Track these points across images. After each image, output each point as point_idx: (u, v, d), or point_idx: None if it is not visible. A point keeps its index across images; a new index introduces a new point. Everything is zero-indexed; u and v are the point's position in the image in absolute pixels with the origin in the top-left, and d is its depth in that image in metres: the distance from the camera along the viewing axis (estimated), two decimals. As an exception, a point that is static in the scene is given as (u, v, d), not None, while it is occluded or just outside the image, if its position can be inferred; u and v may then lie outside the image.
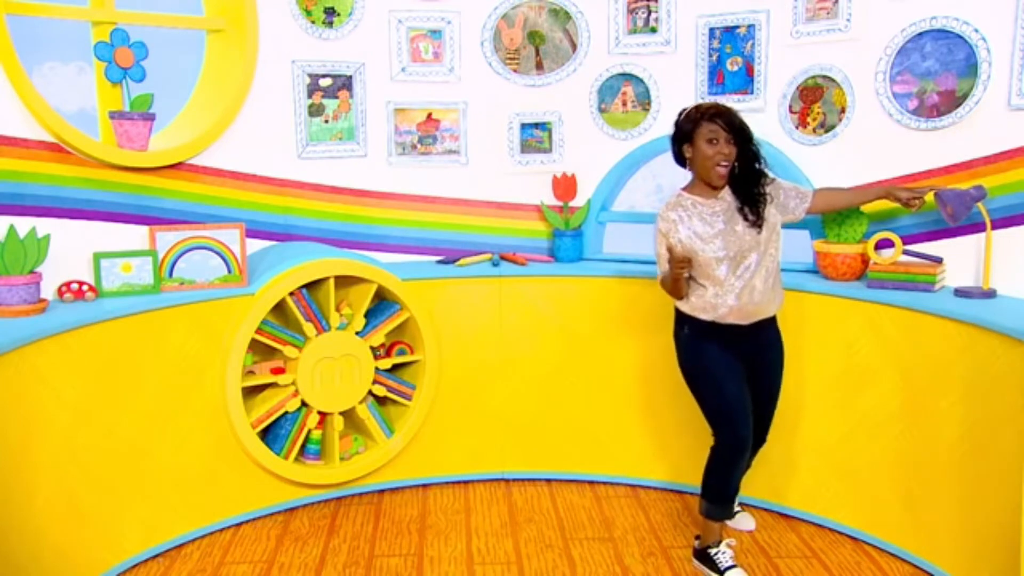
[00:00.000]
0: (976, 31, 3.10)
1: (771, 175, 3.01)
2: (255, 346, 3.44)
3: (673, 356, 3.67)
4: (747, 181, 2.95)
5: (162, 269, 3.30)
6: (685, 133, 2.95)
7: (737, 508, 3.35)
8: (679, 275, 2.90)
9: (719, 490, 3.08)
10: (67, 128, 3.12)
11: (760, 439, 3.20)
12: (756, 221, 2.93)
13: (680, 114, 3.00)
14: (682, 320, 3.07)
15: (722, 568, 3.03)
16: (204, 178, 3.55)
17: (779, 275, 3.06)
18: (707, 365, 3.04)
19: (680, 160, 3.02)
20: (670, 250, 2.92)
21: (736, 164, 2.93)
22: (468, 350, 3.81)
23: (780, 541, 3.34)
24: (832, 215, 3.38)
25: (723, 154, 2.89)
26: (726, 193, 2.97)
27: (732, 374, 3.01)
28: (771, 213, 2.98)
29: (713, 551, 3.08)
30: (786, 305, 3.40)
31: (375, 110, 3.92)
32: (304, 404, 3.53)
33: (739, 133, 2.90)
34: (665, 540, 3.36)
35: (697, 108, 2.95)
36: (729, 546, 3.10)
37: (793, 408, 3.44)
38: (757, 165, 2.96)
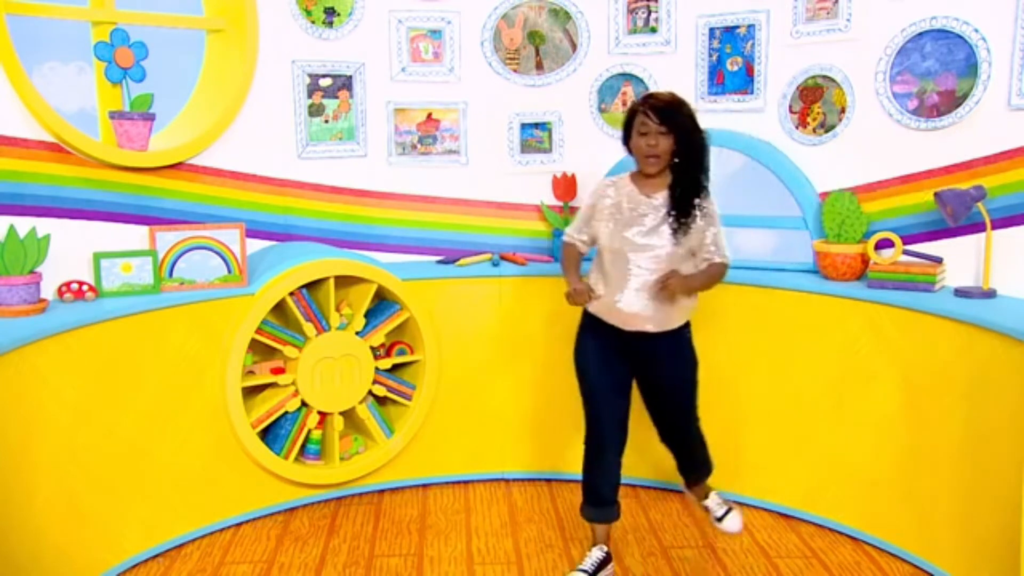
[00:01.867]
0: (976, 31, 3.10)
1: (711, 196, 2.85)
2: (255, 346, 3.43)
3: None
4: (686, 184, 2.80)
5: (162, 269, 3.30)
6: (626, 124, 2.87)
7: (726, 508, 3.20)
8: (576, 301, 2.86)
9: (584, 487, 3.05)
10: (67, 128, 3.11)
11: (676, 445, 3.13)
12: (677, 230, 2.79)
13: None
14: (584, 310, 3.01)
15: (578, 567, 2.99)
16: (204, 178, 3.55)
17: (690, 297, 2.91)
18: (582, 359, 3.00)
19: (630, 151, 2.90)
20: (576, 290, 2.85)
21: (676, 161, 2.80)
22: (468, 350, 3.81)
23: (780, 541, 3.34)
24: (832, 215, 3.38)
25: (651, 145, 2.77)
26: (661, 199, 2.82)
27: (604, 376, 2.95)
28: (696, 229, 2.81)
29: (591, 551, 3.05)
30: (786, 305, 3.41)
31: (375, 110, 3.92)
32: (304, 404, 3.53)
33: (671, 123, 2.75)
34: (665, 540, 3.36)
35: (637, 99, 2.88)
36: (601, 550, 3.02)
37: (793, 408, 3.44)
38: (699, 169, 2.81)
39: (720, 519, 3.19)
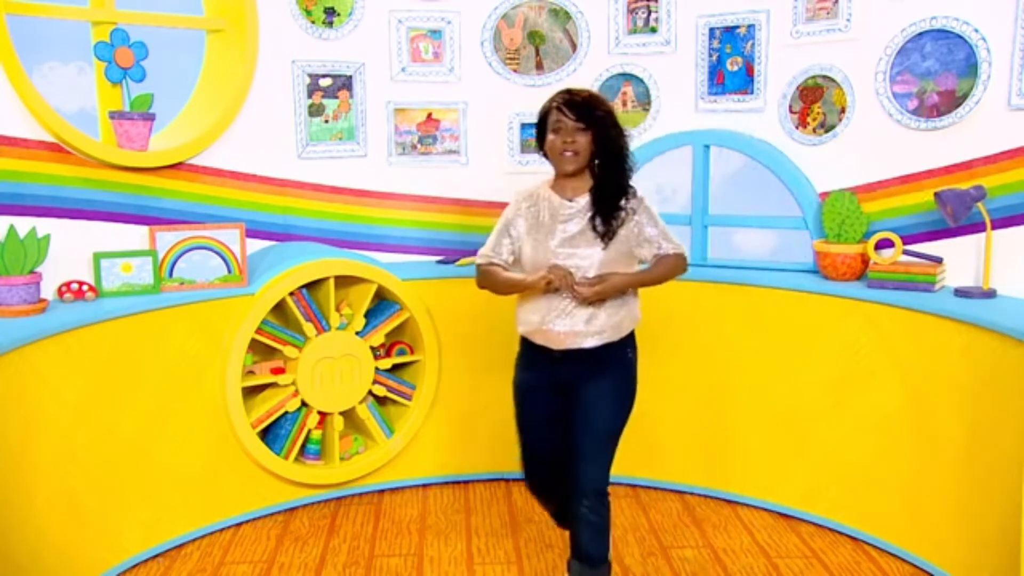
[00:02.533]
0: (976, 31, 3.10)
1: (639, 194, 2.66)
2: (255, 346, 3.44)
3: (672, 355, 3.68)
4: (606, 185, 2.62)
5: (162, 269, 3.30)
6: (540, 121, 2.67)
7: None
8: (539, 286, 2.56)
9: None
10: (67, 128, 3.11)
11: (576, 485, 2.66)
12: (604, 234, 2.58)
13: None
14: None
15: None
16: (204, 178, 3.55)
17: (628, 304, 2.69)
18: (516, 392, 2.76)
19: (543, 154, 2.71)
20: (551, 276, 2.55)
21: (598, 162, 2.61)
22: (468, 350, 3.80)
23: (780, 541, 3.34)
24: (832, 215, 3.38)
25: (566, 142, 2.56)
26: (583, 202, 2.62)
27: (537, 411, 2.72)
28: (627, 231, 2.62)
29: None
30: (786, 305, 3.41)
31: (375, 110, 3.92)
32: (304, 404, 3.53)
33: (590, 122, 2.57)
34: (665, 540, 3.36)
35: (551, 97, 2.65)
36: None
37: (793, 408, 3.44)
38: (622, 166, 2.63)
39: None
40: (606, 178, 2.62)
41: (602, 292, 2.56)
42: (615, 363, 2.68)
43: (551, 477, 2.81)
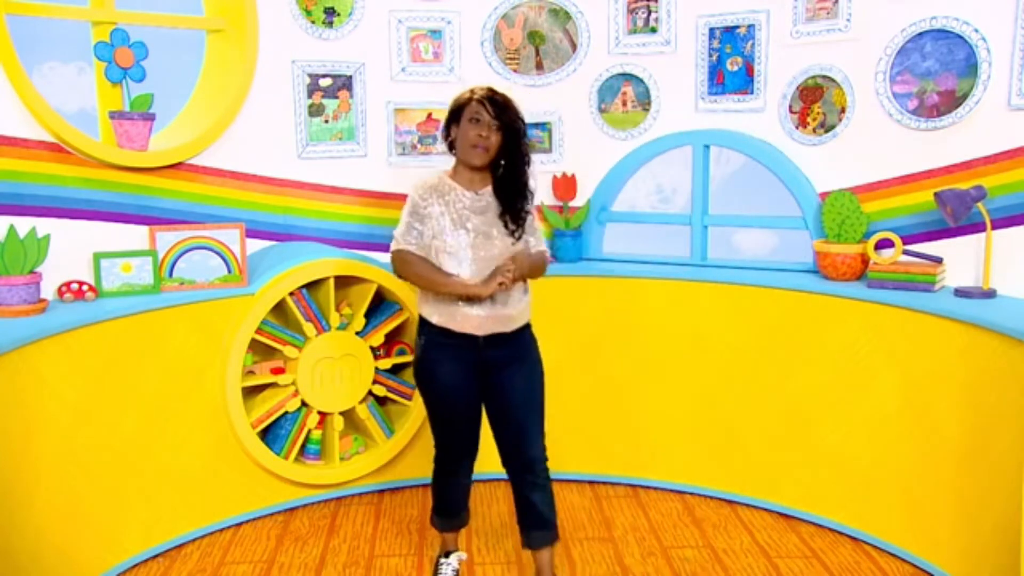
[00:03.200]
0: (976, 31, 3.10)
1: (534, 198, 2.83)
2: (255, 346, 3.44)
3: (672, 355, 3.69)
4: (512, 189, 2.75)
5: (162, 269, 3.30)
6: (453, 113, 2.76)
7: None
8: (486, 293, 2.66)
9: (436, 500, 3.03)
10: (67, 128, 3.12)
11: (522, 477, 2.86)
12: (515, 231, 2.75)
13: (458, 94, 2.82)
14: (422, 324, 2.83)
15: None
16: (204, 178, 3.55)
17: (526, 288, 2.85)
18: (428, 378, 2.82)
19: (449, 144, 2.82)
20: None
21: (503, 164, 2.75)
22: (468, 350, 3.80)
23: (780, 541, 3.34)
24: (832, 215, 3.38)
25: (482, 136, 2.68)
26: (489, 195, 2.77)
27: (456, 394, 2.80)
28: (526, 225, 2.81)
29: (441, 560, 3.06)
30: (786, 305, 3.41)
31: (375, 110, 3.92)
32: (304, 404, 3.54)
33: (505, 121, 2.70)
34: (665, 540, 3.36)
35: (471, 90, 2.76)
36: (460, 560, 3.05)
37: (793, 408, 3.44)
38: (525, 176, 2.77)
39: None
40: (511, 179, 2.76)
41: (520, 271, 2.71)
42: (531, 343, 2.87)
43: (470, 459, 2.96)
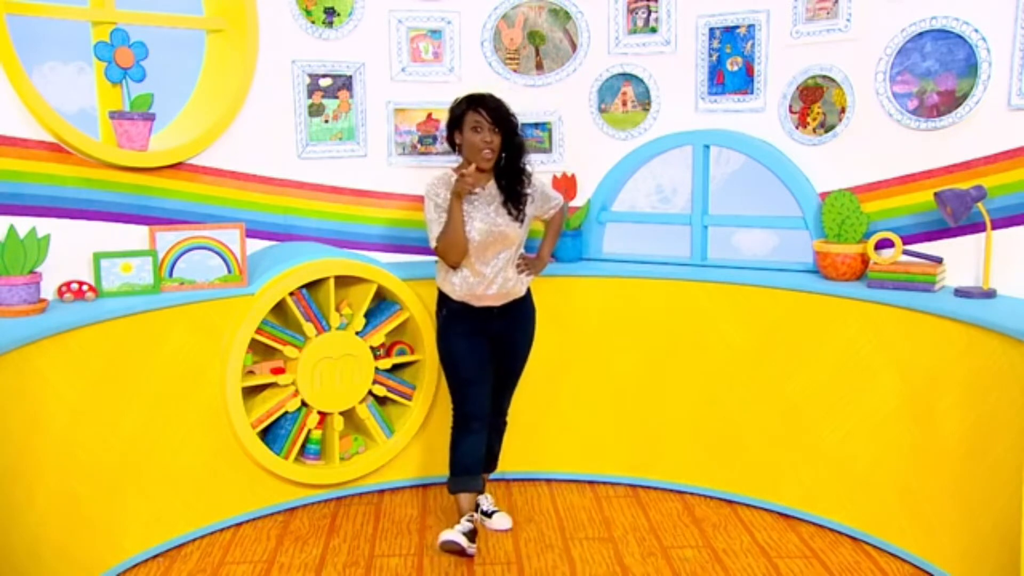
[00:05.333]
0: (976, 31, 3.10)
1: (532, 176, 3.30)
2: (255, 346, 3.44)
3: (672, 355, 3.69)
4: (512, 176, 3.22)
5: (162, 269, 3.30)
6: (454, 119, 3.21)
7: (494, 508, 3.51)
8: (463, 189, 3.10)
9: (454, 463, 3.35)
10: (67, 128, 3.11)
11: (498, 425, 3.49)
12: (519, 216, 3.22)
13: (453, 102, 3.24)
14: (442, 300, 3.34)
15: (453, 530, 3.23)
16: (204, 178, 3.55)
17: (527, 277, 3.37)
18: (451, 348, 3.31)
19: (452, 146, 3.27)
20: (457, 171, 3.14)
21: (502, 156, 3.21)
22: (468, 350, 3.80)
23: (780, 541, 3.34)
24: (832, 215, 3.38)
25: (486, 141, 3.14)
26: (492, 186, 3.22)
27: (474, 360, 3.28)
28: (534, 208, 3.31)
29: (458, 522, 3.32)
30: (786, 305, 3.41)
31: (375, 110, 3.92)
32: (304, 404, 3.54)
33: (502, 123, 3.16)
34: (665, 540, 3.36)
35: (467, 97, 3.20)
36: (470, 520, 3.29)
37: (793, 408, 3.44)
38: (522, 162, 3.23)
39: (490, 515, 3.48)
40: (511, 166, 3.23)
41: (542, 266, 3.43)
42: (532, 315, 3.44)
43: (484, 418, 3.35)
